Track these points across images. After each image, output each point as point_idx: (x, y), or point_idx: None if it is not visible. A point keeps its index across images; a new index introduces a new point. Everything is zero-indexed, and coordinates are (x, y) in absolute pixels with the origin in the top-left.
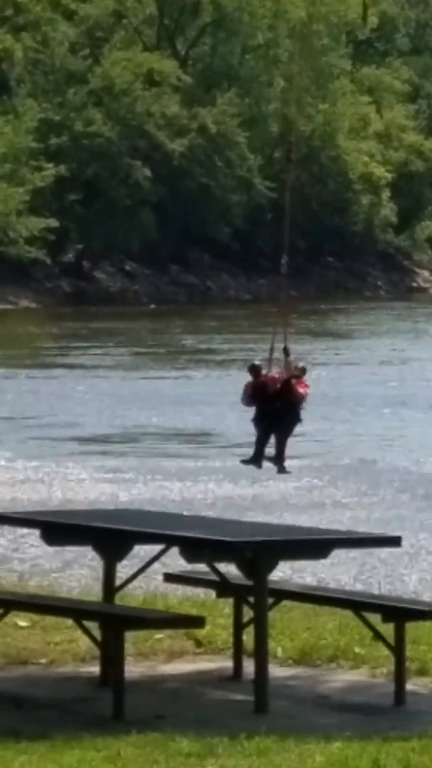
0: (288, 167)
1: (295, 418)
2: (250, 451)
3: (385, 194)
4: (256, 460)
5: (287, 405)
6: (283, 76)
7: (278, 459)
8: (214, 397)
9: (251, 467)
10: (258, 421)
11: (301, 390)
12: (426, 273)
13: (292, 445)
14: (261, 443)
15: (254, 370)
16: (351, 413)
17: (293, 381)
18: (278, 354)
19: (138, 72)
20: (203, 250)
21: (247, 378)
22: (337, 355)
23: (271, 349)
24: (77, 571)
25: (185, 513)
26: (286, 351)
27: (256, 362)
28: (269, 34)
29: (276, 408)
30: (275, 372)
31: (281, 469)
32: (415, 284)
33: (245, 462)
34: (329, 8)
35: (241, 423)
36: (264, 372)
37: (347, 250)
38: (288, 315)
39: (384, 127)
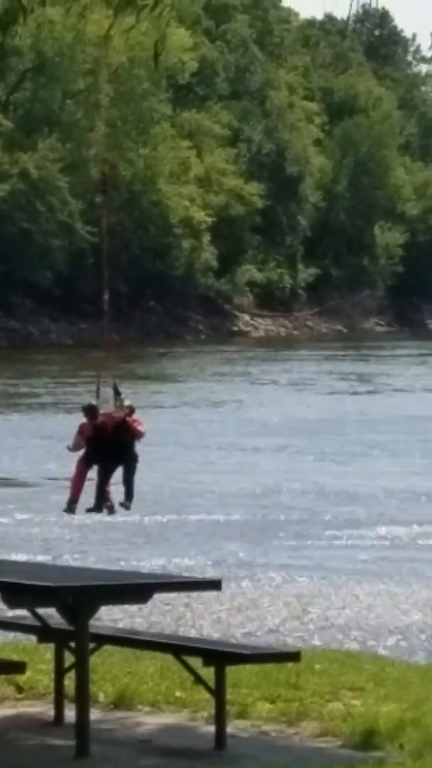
0: (103, 200)
1: (135, 456)
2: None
3: (206, 238)
4: (100, 506)
5: (125, 443)
6: (104, 121)
7: (129, 498)
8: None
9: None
10: (95, 461)
11: (140, 428)
12: (246, 317)
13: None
14: (102, 487)
15: (91, 410)
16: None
17: (129, 419)
18: (105, 394)
19: None
20: (25, 294)
21: (81, 420)
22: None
23: (98, 390)
24: None
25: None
26: (116, 389)
27: (93, 402)
28: (90, 79)
29: (116, 447)
30: (112, 411)
31: (128, 507)
32: (235, 328)
33: (90, 510)
34: (149, 53)
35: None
36: (101, 412)
37: (168, 294)
38: (112, 354)
39: (204, 171)
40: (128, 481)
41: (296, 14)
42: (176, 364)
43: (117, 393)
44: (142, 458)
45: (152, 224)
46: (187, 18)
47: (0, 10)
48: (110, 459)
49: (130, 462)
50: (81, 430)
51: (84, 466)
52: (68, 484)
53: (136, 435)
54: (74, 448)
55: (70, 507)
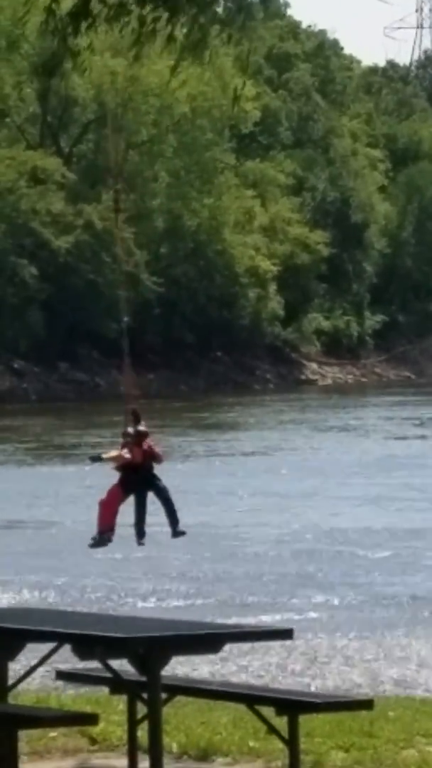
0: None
1: (158, 480)
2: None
3: (272, 287)
4: (143, 534)
5: (149, 469)
6: (167, 171)
7: (177, 523)
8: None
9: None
10: (132, 491)
11: (159, 450)
12: (314, 365)
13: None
14: (143, 516)
15: (142, 435)
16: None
17: (149, 445)
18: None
19: (22, 170)
20: (92, 346)
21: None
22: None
23: (126, 419)
24: None
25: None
26: (135, 415)
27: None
28: (153, 130)
29: (148, 474)
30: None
31: (180, 532)
32: (303, 376)
33: (142, 543)
34: (212, 103)
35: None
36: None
37: (235, 344)
38: (131, 381)
39: (269, 220)
40: (171, 510)
41: (358, 61)
42: (244, 413)
43: (137, 419)
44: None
45: (218, 274)
46: (249, 68)
47: (47, 54)
48: (144, 486)
49: (162, 489)
50: (132, 451)
51: (123, 492)
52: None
53: (159, 460)
54: (114, 461)
55: (106, 537)
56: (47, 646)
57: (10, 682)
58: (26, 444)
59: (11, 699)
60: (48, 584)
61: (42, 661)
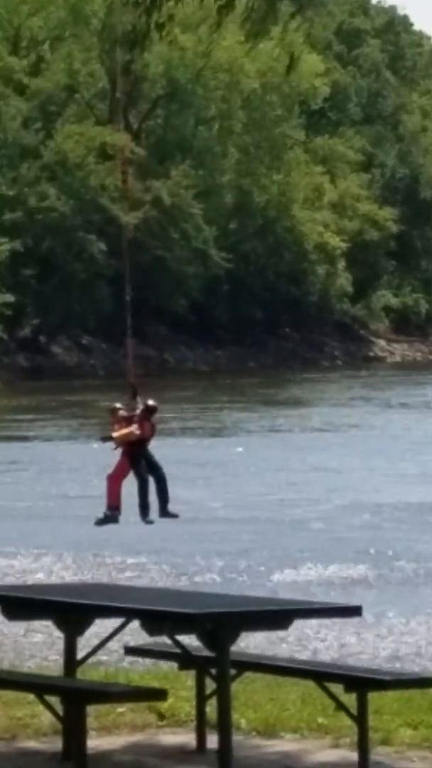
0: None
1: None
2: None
3: (341, 264)
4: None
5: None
6: (237, 147)
7: (167, 502)
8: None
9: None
10: (137, 465)
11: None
12: (382, 342)
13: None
14: (146, 491)
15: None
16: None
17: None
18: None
19: (91, 146)
20: (160, 322)
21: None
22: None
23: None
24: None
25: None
26: (134, 390)
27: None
28: (223, 106)
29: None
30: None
31: (171, 514)
32: (371, 353)
33: (150, 520)
34: (282, 79)
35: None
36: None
37: (304, 320)
38: (132, 353)
39: (338, 197)
40: (163, 488)
41: (428, 38)
42: (312, 389)
43: (134, 396)
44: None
45: (287, 250)
46: (319, 43)
47: (130, 28)
48: (145, 461)
49: (157, 467)
50: (142, 426)
51: (129, 467)
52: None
53: (149, 434)
54: (126, 438)
55: (116, 514)
56: (116, 622)
57: (79, 657)
58: (98, 418)
59: (80, 674)
60: (108, 560)
61: (110, 637)
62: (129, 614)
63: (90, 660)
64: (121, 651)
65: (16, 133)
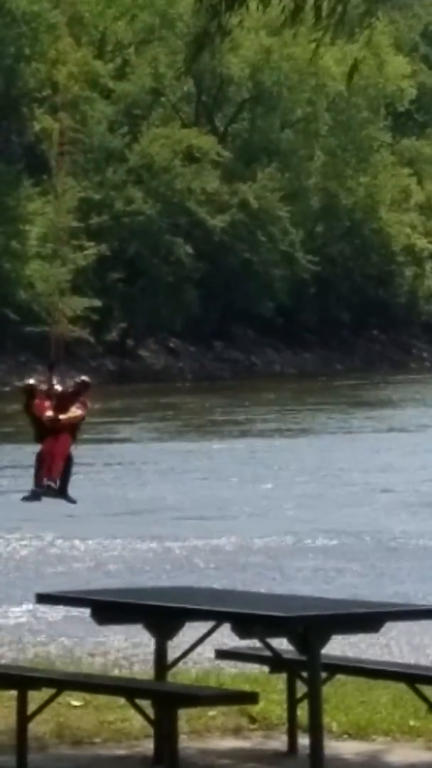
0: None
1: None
2: None
3: (429, 266)
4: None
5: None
6: (323, 150)
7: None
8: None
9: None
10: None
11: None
12: None
13: None
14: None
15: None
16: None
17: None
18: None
19: (177, 149)
20: (247, 325)
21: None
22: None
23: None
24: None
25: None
26: (51, 365)
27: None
28: (308, 108)
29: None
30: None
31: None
32: None
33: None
34: (367, 81)
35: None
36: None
37: (391, 323)
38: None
39: (425, 199)
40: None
41: None
42: (399, 391)
43: (51, 367)
44: None
45: (374, 252)
46: (405, 45)
47: (196, 31)
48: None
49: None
50: (84, 404)
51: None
52: None
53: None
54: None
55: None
56: (207, 625)
57: (170, 660)
58: (187, 420)
59: (171, 678)
60: (200, 563)
61: (201, 640)
62: (220, 617)
63: (180, 664)
64: (211, 654)
65: (102, 137)
